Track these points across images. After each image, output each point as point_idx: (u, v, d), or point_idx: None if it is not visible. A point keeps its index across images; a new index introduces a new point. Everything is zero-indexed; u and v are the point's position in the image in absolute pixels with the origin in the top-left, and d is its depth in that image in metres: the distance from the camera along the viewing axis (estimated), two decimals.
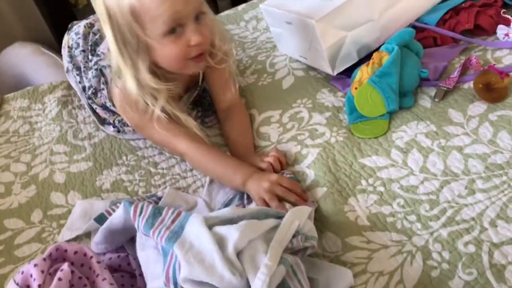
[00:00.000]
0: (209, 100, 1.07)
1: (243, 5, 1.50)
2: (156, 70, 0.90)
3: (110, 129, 1.09)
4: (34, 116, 1.23)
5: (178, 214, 0.68)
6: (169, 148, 0.98)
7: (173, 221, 0.67)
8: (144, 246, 0.71)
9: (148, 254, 0.70)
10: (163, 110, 0.91)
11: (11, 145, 1.14)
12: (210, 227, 0.65)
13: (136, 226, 0.69)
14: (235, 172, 0.86)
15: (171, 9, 0.81)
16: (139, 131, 1.00)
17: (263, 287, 0.58)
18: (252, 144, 0.97)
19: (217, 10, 1.72)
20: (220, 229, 0.65)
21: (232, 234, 0.63)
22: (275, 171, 0.87)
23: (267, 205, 0.79)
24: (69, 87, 1.24)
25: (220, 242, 0.63)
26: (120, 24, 0.84)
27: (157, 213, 0.69)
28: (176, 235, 0.65)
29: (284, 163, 0.90)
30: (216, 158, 0.91)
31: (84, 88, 1.08)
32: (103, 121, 1.11)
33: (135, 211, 0.69)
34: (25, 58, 1.63)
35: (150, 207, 0.70)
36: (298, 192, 0.82)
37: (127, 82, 0.89)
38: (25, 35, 1.76)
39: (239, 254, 0.63)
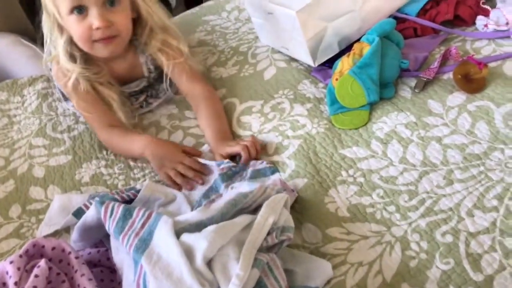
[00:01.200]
0: (162, 87, 1.08)
1: None
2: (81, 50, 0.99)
3: (70, 105, 1.11)
4: (13, 109, 1.21)
5: (149, 216, 0.67)
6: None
7: (143, 225, 0.66)
8: (118, 250, 0.70)
9: (122, 259, 0.69)
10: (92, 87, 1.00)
11: None
12: (179, 232, 0.65)
13: (107, 228, 0.68)
14: (132, 142, 0.95)
15: None
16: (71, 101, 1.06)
17: None
18: (226, 128, 0.98)
19: (200, 1, 1.69)
20: (189, 238, 0.64)
21: (200, 243, 0.62)
22: (250, 155, 0.88)
23: (171, 179, 0.88)
24: (49, 79, 1.22)
25: (189, 253, 0.62)
26: (45, 2, 0.95)
27: (127, 214, 0.68)
28: (144, 244, 0.64)
29: (260, 150, 0.90)
30: (119, 134, 0.99)
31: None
32: (66, 98, 1.12)
33: (105, 212, 0.69)
34: (4, 49, 1.59)
35: (121, 207, 0.69)
36: (197, 168, 0.89)
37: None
38: (4, 25, 1.72)
39: (210, 262, 0.62)
